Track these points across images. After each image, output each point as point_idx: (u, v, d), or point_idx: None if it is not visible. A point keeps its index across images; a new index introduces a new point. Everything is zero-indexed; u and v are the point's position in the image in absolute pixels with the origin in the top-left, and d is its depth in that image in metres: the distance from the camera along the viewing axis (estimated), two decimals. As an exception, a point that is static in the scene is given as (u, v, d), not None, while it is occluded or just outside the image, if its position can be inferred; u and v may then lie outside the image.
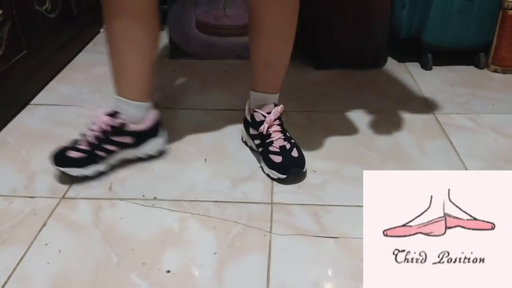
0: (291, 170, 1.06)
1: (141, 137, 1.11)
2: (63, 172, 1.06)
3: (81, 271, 0.86)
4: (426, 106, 1.42)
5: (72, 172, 1.06)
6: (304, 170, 1.09)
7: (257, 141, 1.13)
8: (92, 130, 1.07)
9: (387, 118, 1.35)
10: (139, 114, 1.10)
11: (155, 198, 1.04)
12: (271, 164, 1.08)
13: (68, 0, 1.68)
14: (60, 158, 1.05)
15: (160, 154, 1.17)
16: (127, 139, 1.09)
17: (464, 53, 1.67)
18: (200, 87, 1.54)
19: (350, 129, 1.29)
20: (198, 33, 1.72)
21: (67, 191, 1.06)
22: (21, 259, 0.88)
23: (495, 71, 1.64)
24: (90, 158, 1.06)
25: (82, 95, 1.49)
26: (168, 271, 0.86)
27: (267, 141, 1.10)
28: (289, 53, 1.11)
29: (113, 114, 1.07)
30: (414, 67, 1.68)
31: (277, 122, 1.12)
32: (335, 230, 0.95)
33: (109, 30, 1.05)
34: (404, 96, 1.48)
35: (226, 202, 1.03)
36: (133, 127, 1.09)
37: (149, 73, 1.09)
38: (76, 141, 1.08)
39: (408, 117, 1.35)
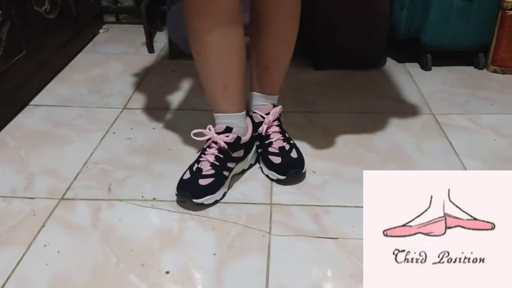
0: (290, 171, 1.06)
1: (248, 147, 1.08)
2: (200, 204, 1.00)
3: (80, 272, 0.86)
4: (426, 106, 1.42)
5: (209, 200, 1.00)
6: (304, 171, 1.09)
7: (256, 142, 1.13)
8: (211, 153, 1.02)
9: (386, 118, 1.35)
10: (245, 124, 1.07)
11: (154, 198, 1.04)
12: (271, 165, 1.08)
13: (67, 1, 1.68)
14: (196, 189, 0.99)
15: (256, 162, 1.14)
16: (241, 153, 1.06)
17: (464, 54, 1.67)
18: (199, 88, 1.53)
19: (349, 130, 1.29)
20: (197, 34, 1.72)
21: (66, 192, 1.06)
22: (20, 260, 0.88)
23: (495, 71, 1.64)
24: (219, 180, 1.02)
25: (81, 96, 1.48)
26: (167, 272, 0.86)
27: (266, 142, 1.10)
28: (290, 56, 1.10)
29: (226, 131, 1.02)
30: (413, 68, 1.67)
31: (276, 123, 1.12)
32: (335, 230, 0.95)
33: (204, 42, 0.96)
34: (404, 97, 1.48)
35: (225, 202, 1.03)
36: (244, 139, 1.05)
37: (245, 78, 1.03)
38: (198, 168, 1.02)
39: (408, 118, 1.35)
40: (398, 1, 1.58)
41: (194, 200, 0.99)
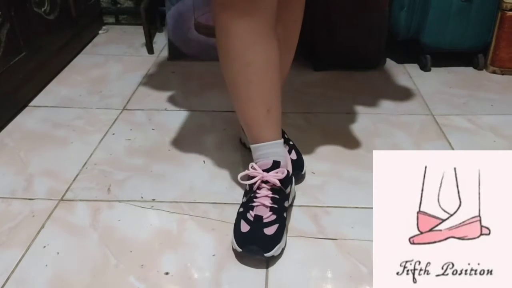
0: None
1: (291, 178, 0.96)
2: (271, 256, 0.86)
3: (79, 273, 0.86)
4: (425, 107, 1.42)
5: (278, 251, 0.87)
6: (303, 172, 1.09)
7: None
8: (265, 195, 0.90)
9: (385, 119, 1.35)
10: (285, 152, 0.96)
11: (153, 199, 1.04)
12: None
13: (67, 1, 1.68)
14: (264, 242, 0.86)
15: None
16: (290, 187, 0.95)
17: (463, 54, 1.67)
18: (198, 89, 1.54)
19: (348, 131, 1.29)
20: (197, 35, 1.72)
21: (65, 193, 1.06)
22: (19, 261, 0.88)
23: (494, 72, 1.64)
24: (282, 225, 0.89)
25: (80, 97, 1.48)
26: (167, 273, 0.86)
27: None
28: (289, 65, 1.09)
29: (274, 167, 0.91)
30: (412, 68, 1.68)
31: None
32: (334, 231, 0.95)
33: (245, 61, 0.87)
34: (403, 97, 1.48)
35: (225, 203, 1.03)
36: (290, 169, 0.94)
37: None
38: (256, 216, 0.89)
39: (407, 118, 1.35)
40: (398, 2, 1.58)
41: (265, 255, 0.85)
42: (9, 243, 0.92)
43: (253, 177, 0.91)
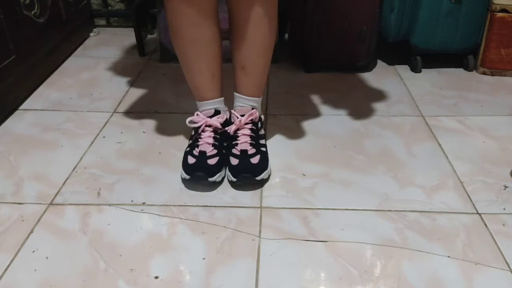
0: (241, 175, 1.06)
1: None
2: (213, 182, 1.06)
3: (69, 277, 0.85)
4: (415, 108, 1.43)
5: (219, 178, 1.07)
6: (259, 178, 1.07)
7: (225, 143, 1.14)
8: (208, 136, 1.10)
9: (376, 121, 1.36)
10: (225, 107, 1.18)
11: (143, 203, 1.04)
12: (229, 166, 1.09)
13: (57, 4, 1.67)
14: (207, 169, 1.06)
15: None
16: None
17: (453, 56, 1.67)
18: (189, 91, 1.53)
19: (339, 132, 1.30)
20: (188, 37, 1.72)
21: (55, 197, 1.05)
22: (8, 266, 0.88)
23: (484, 73, 1.65)
24: (223, 158, 1.10)
25: (71, 100, 1.48)
26: (156, 277, 0.85)
27: (233, 142, 1.12)
28: (267, 59, 1.11)
29: (215, 114, 1.12)
30: (403, 70, 1.68)
31: (249, 126, 1.12)
32: (324, 233, 0.95)
33: (193, 38, 1.05)
34: (393, 99, 1.49)
35: (215, 206, 1.03)
36: (227, 117, 1.17)
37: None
38: (200, 151, 1.08)
39: (397, 120, 1.36)
40: (388, 4, 1.59)
41: (209, 179, 1.05)
42: (-2, 248, 0.92)
43: (197, 122, 1.11)
